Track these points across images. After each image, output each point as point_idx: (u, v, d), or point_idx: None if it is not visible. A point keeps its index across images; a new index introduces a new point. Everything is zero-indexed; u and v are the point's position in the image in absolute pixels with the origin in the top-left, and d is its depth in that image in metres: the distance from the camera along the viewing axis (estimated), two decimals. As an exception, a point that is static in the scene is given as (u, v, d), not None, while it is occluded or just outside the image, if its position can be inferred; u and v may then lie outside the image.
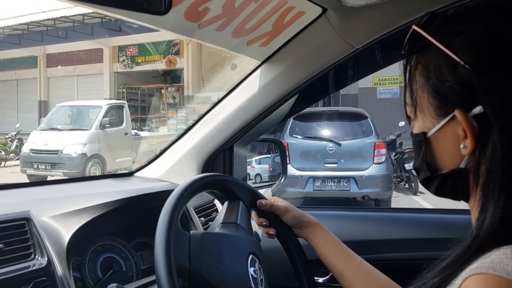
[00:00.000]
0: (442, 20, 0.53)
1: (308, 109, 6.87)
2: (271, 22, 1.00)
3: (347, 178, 5.52)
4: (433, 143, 0.53)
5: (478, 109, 0.47)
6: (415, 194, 6.76)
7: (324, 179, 5.58)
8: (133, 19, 0.86)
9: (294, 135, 5.88)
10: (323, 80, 1.26)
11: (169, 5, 0.60)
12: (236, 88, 1.24)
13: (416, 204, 6.21)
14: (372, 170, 5.53)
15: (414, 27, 0.54)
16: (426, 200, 6.20)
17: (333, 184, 5.55)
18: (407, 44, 0.56)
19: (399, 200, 6.09)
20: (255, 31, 1.02)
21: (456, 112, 0.49)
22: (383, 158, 5.59)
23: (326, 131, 5.90)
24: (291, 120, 5.99)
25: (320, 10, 1.01)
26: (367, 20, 1.00)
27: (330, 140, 5.68)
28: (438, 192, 0.55)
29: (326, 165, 5.63)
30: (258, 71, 1.19)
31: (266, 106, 1.19)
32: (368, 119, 5.93)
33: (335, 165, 5.62)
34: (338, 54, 1.06)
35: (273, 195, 5.46)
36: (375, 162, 5.56)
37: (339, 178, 5.55)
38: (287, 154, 5.60)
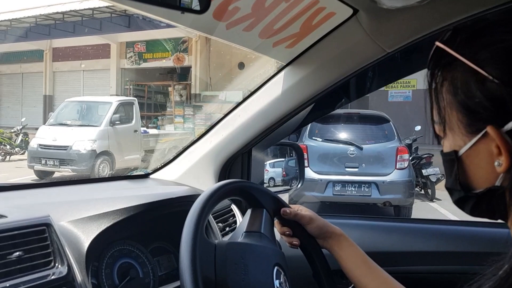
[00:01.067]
0: (466, 34, 0.52)
1: None
2: (300, 23, 0.98)
3: (368, 183, 5.43)
4: (465, 162, 0.52)
5: (511, 125, 0.46)
6: (431, 200, 6.70)
7: (345, 183, 5.49)
8: (163, 18, 0.84)
9: (313, 138, 5.80)
10: (348, 85, 1.23)
11: (207, 5, 0.58)
12: (258, 90, 1.22)
13: (434, 210, 6.14)
14: (394, 175, 5.44)
15: (437, 43, 0.53)
16: (443, 207, 6.12)
17: (353, 189, 5.47)
18: (431, 61, 0.55)
19: (416, 206, 5.96)
20: (282, 32, 1.00)
21: (488, 129, 0.48)
22: (406, 164, 5.50)
23: (347, 134, 5.81)
24: None
25: (350, 11, 0.98)
26: (400, 23, 0.97)
27: (352, 144, 5.59)
28: (474, 213, 0.54)
29: (347, 169, 5.55)
30: (282, 73, 1.16)
31: (288, 110, 1.17)
32: (390, 123, 5.85)
33: (356, 169, 5.53)
34: (367, 58, 1.04)
35: (291, 199, 5.42)
36: (397, 167, 5.47)
37: (360, 183, 5.45)
38: (304, 158, 5.51)
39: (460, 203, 0.55)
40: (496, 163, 0.48)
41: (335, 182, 5.50)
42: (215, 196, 0.77)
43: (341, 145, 5.67)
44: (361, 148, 5.57)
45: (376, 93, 12.78)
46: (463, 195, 0.53)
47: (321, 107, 1.32)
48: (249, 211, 0.86)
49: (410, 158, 7.12)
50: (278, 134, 1.33)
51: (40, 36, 14.86)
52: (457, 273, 0.46)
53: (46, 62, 16.67)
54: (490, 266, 0.47)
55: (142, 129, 10.40)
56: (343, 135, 5.83)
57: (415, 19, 0.95)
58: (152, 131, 11.68)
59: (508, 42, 0.48)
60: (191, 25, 0.98)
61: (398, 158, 5.49)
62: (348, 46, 1.05)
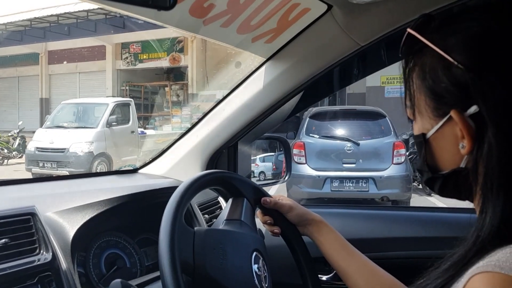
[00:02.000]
0: (438, 21, 0.55)
1: (325, 108, 6.77)
2: (276, 19, 1.02)
3: (366, 178, 5.47)
4: (432, 144, 0.55)
5: (473, 109, 0.48)
6: (429, 195, 6.71)
7: (342, 179, 5.53)
8: (138, 15, 0.88)
9: (310, 134, 5.83)
10: (328, 78, 1.27)
11: (174, 0, 0.61)
12: (241, 85, 1.25)
13: (432, 205, 6.13)
14: (391, 170, 5.48)
15: (409, 30, 0.56)
16: (441, 201, 6.13)
17: (351, 184, 5.50)
18: (403, 46, 0.57)
19: (414, 201, 5.98)
20: (260, 27, 1.03)
21: (452, 113, 0.50)
22: (403, 158, 5.52)
23: (344, 130, 5.84)
24: (307, 119, 5.96)
25: (325, 7, 1.02)
26: (372, 17, 1.01)
27: (348, 140, 5.62)
28: (442, 193, 0.57)
29: (344, 165, 5.58)
30: (263, 68, 1.20)
31: (271, 103, 1.21)
32: (387, 118, 5.86)
33: (354, 165, 5.57)
34: (343, 51, 1.07)
35: (289, 196, 5.45)
36: (394, 162, 5.50)
37: (358, 179, 5.49)
38: (300, 154, 5.62)
39: (429, 183, 0.57)
40: (460, 146, 0.50)
41: (333, 178, 5.52)
42: (195, 186, 0.80)
43: (338, 142, 5.69)
44: (358, 144, 5.59)
45: (372, 90, 12.82)
46: (430, 176, 0.56)
47: (304, 99, 1.36)
48: (230, 200, 0.89)
49: (408, 153, 7.15)
50: (263, 128, 1.37)
51: (35, 39, 14.84)
52: (434, 257, 0.50)
53: (41, 65, 16.63)
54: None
55: (139, 130, 10.39)
56: (340, 131, 5.85)
57: (386, 13, 0.99)
58: (150, 131, 11.68)
59: (474, 29, 0.50)
60: (177, 24, 1.02)
61: (394, 153, 5.52)
62: (324, 40, 1.09)
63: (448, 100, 0.51)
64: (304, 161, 5.62)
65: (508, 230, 0.46)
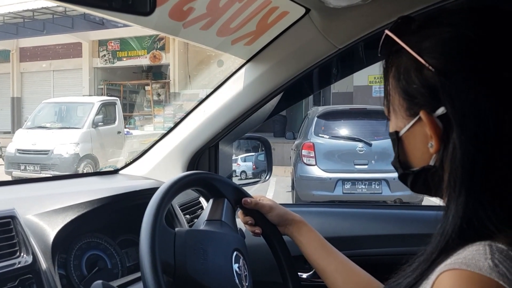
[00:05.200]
0: (416, 24, 0.59)
1: (333, 107, 6.63)
2: (255, 21, 1.06)
3: (379, 180, 5.40)
4: (405, 142, 0.59)
5: (441, 110, 0.52)
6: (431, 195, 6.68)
7: (355, 181, 5.46)
8: (117, 18, 0.91)
9: (320, 135, 5.74)
10: (308, 79, 1.32)
11: (153, 6, 0.65)
12: (221, 86, 1.29)
13: (432, 204, 6.17)
14: None
15: (386, 31, 0.60)
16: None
17: (364, 186, 5.43)
18: (382, 47, 0.61)
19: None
20: (239, 30, 1.08)
21: (421, 113, 0.54)
22: None
23: (354, 130, 5.76)
24: (315, 119, 5.87)
25: (303, 10, 1.07)
26: (349, 21, 1.06)
27: (360, 140, 5.55)
28: (413, 188, 0.61)
29: (356, 166, 5.52)
30: (243, 69, 1.25)
31: (251, 104, 1.25)
32: None
33: (366, 166, 5.50)
34: (321, 54, 1.13)
35: (297, 198, 5.30)
36: None
37: (370, 180, 5.42)
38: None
39: (402, 179, 0.62)
40: (429, 145, 0.54)
41: (344, 180, 5.44)
42: (176, 187, 0.84)
43: (349, 142, 5.62)
44: (370, 145, 5.52)
45: (360, 89, 12.96)
46: (402, 172, 0.61)
47: (285, 100, 1.41)
48: (211, 201, 0.93)
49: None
50: (244, 128, 1.41)
51: (7, 36, 14.46)
52: (409, 254, 0.54)
53: (13, 62, 16.24)
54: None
55: (125, 130, 10.12)
56: (350, 131, 5.78)
57: (362, 17, 1.05)
58: (136, 132, 11.51)
59: (447, 34, 0.53)
60: (157, 27, 1.05)
61: None
62: (302, 43, 1.14)
63: (419, 101, 0.55)
64: (314, 163, 5.55)
65: (471, 230, 0.49)
